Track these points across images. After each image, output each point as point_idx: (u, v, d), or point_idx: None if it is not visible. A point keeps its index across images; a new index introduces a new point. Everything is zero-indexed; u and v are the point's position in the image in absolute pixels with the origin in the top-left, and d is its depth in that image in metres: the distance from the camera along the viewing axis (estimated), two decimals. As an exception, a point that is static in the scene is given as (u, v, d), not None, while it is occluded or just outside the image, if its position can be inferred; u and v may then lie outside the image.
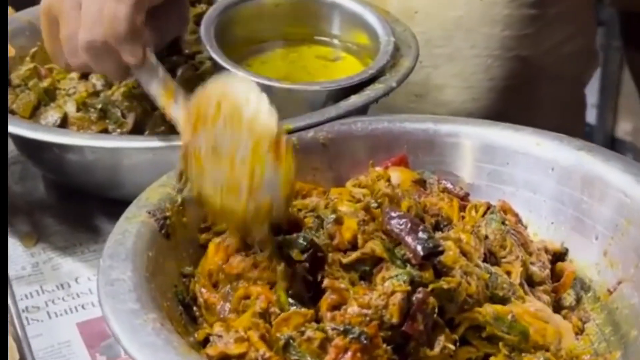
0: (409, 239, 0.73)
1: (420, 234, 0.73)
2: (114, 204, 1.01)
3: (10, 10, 1.22)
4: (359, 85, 1.00)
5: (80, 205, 1.04)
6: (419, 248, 0.72)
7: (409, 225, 0.74)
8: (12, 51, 1.08)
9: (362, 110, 1.00)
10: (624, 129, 2.48)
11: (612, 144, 2.44)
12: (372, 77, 1.01)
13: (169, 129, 1.04)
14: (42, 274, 0.95)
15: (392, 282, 0.71)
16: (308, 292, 0.75)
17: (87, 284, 0.94)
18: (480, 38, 1.23)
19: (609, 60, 2.38)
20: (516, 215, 0.86)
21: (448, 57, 1.23)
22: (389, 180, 0.86)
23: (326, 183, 0.92)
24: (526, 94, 1.26)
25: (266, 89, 1.01)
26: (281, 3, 1.14)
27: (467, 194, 0.88)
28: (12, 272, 0.94)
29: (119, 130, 1.03)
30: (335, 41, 1.13)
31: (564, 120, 1.31)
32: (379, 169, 0.90)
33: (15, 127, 0.97)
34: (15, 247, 0.98)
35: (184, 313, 0.77)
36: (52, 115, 1.05)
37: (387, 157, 0.92)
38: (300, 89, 1.01)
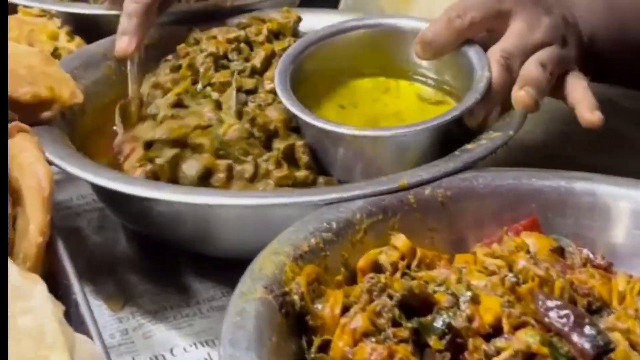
0: (574, 336, 0.65)
1: (587, 330, 0.65)
2: (203, 260, 0.94)
3: (80, 41, 1.14)
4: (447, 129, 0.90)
5: (167, 260, 0.96)
6: (588, 346, 0.65)
7: (571, 318, 0.66)
8: (79, 97, 0.97)
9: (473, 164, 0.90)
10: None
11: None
12: (455, 118, 0.90)
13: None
14: (133, 343, 0.87)
15: (560, 385, 0.63)
16: (448, 385, 0.67)
17: (183, 356, 0.85)
18: None
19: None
20: (674, 291, 0.77)
21: None
22: (528, 251, 0.78)
23: (445, 246, 0.84)
24: None
25: (337, 136, 0.91)
26: (364, 37, 1.04)
27: (611, 264, 0.80)
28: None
29: None
30: (430, 81, 1.03)
31: None
32: (511, 234, 0.82)
33: (98, 178, 0.89)
34: (101, 311, 0.90)
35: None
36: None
37: (514, 218, 0.84)
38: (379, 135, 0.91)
